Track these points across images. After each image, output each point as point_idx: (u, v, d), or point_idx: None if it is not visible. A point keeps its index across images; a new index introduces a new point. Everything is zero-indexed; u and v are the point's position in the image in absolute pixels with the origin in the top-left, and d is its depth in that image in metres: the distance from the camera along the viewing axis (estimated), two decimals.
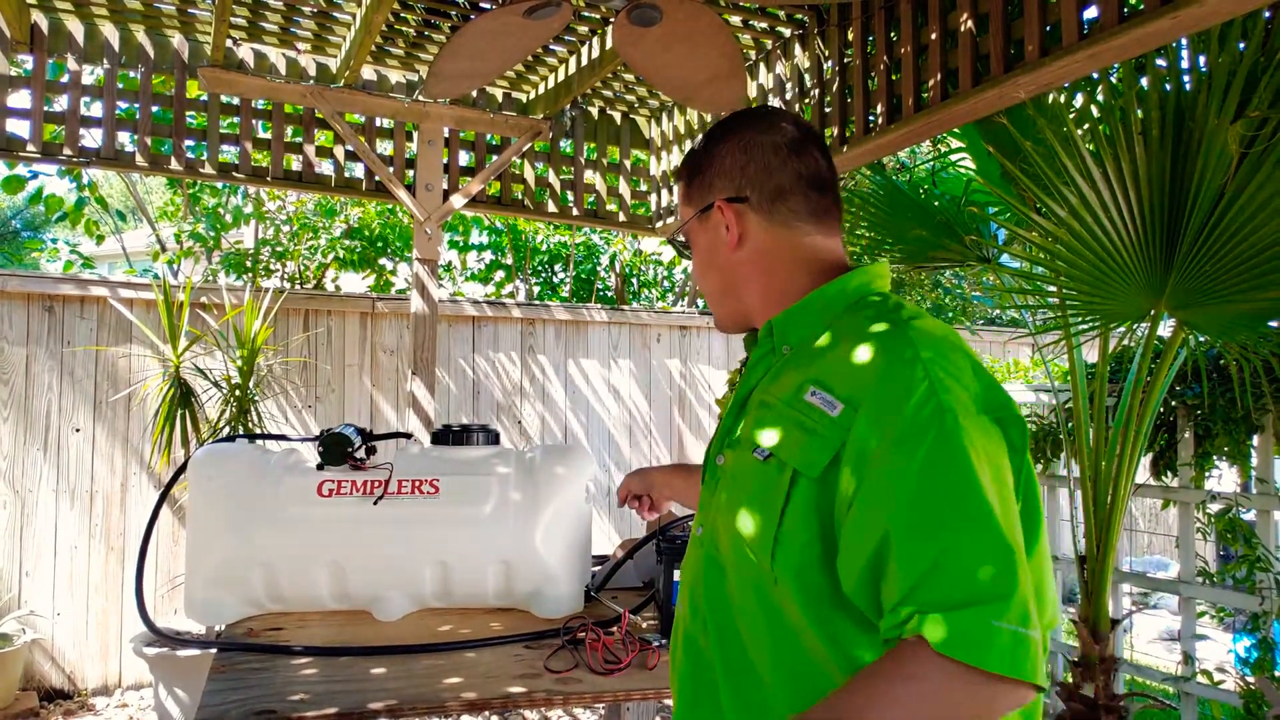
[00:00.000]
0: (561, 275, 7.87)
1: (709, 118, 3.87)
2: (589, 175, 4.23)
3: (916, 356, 0.86)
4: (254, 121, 3.63)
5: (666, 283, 8.24)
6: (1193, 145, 2.20)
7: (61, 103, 3.35)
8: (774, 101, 3.40)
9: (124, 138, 3.51)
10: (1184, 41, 2.25)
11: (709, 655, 0.98)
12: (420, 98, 3.70)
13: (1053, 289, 2.58)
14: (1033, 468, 0.92)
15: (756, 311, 1.07)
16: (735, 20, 3.27)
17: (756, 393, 1.02)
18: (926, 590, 0.77)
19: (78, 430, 4.12)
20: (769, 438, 0.94)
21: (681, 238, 1.13)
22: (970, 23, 2.49)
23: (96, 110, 3.47)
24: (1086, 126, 2.58)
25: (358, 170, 4.13)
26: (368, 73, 3.72)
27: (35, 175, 5.28)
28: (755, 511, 0.93)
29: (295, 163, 3.74)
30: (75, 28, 3.31)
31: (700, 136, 1.15)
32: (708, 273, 1.10)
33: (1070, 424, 3.08)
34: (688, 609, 1.04)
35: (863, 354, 0.90)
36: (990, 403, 0.87)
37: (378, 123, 3.90)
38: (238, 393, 3.84)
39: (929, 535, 0.78)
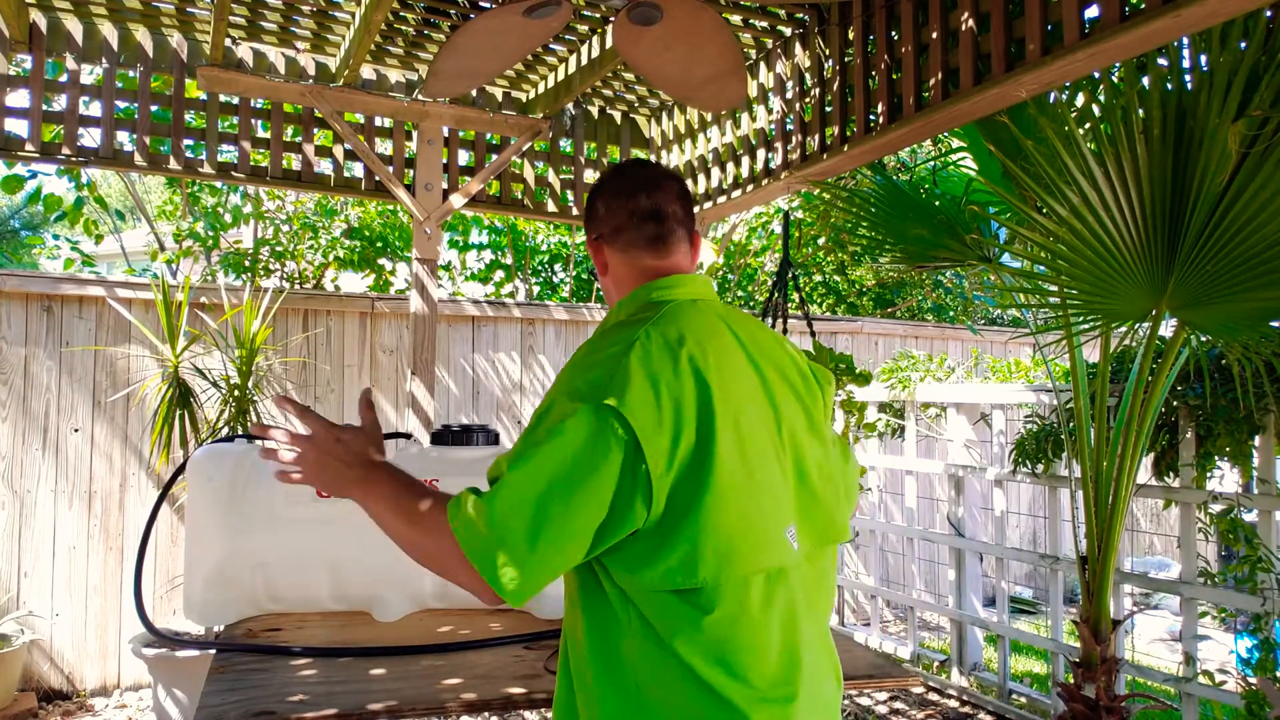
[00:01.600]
0: (561, 275, 7.87)
1: (709, 117, 3.86)
2: (589, 174, 4.23)
3: (575, 361, 1.15)
4: (253, 121, 3.62)
5: None
6: (1194, 144, 2.19)
7: (60, 102, 3.34)
8: (774, 100, 3.39)
9: (123, 137, 3.50)
10: (1185, 41, 2.25)
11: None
12: (420, 97, 3.70)
13: (1054, 288, 2.57)
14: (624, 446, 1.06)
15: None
16: (735, 19, 3.27)
17: None
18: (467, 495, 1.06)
19: (76, 430, 4.11)
20: None
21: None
22: (971, 22, 2.48)
23: (95, 110, 3.47)
24: (1088, 126, 2.57)
25: (357, 170, 4.13)
26: (367, 72, 3.71)
27: (34, 175, 5.27)
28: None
29: (294, 162, 3.73)
30: (74, 27, 3.30)
31: (602, 178, 1.39)
32: (610, 294, 1.34)
33: (1071, 424, 3.07)
34: None
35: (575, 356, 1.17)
36: (594, 391, 1.06)
37: (377, 122, 3.89)
38: (237, 393, 3.84)
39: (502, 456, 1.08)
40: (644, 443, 1.03)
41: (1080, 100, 2.73)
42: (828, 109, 3.12)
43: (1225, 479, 3.28)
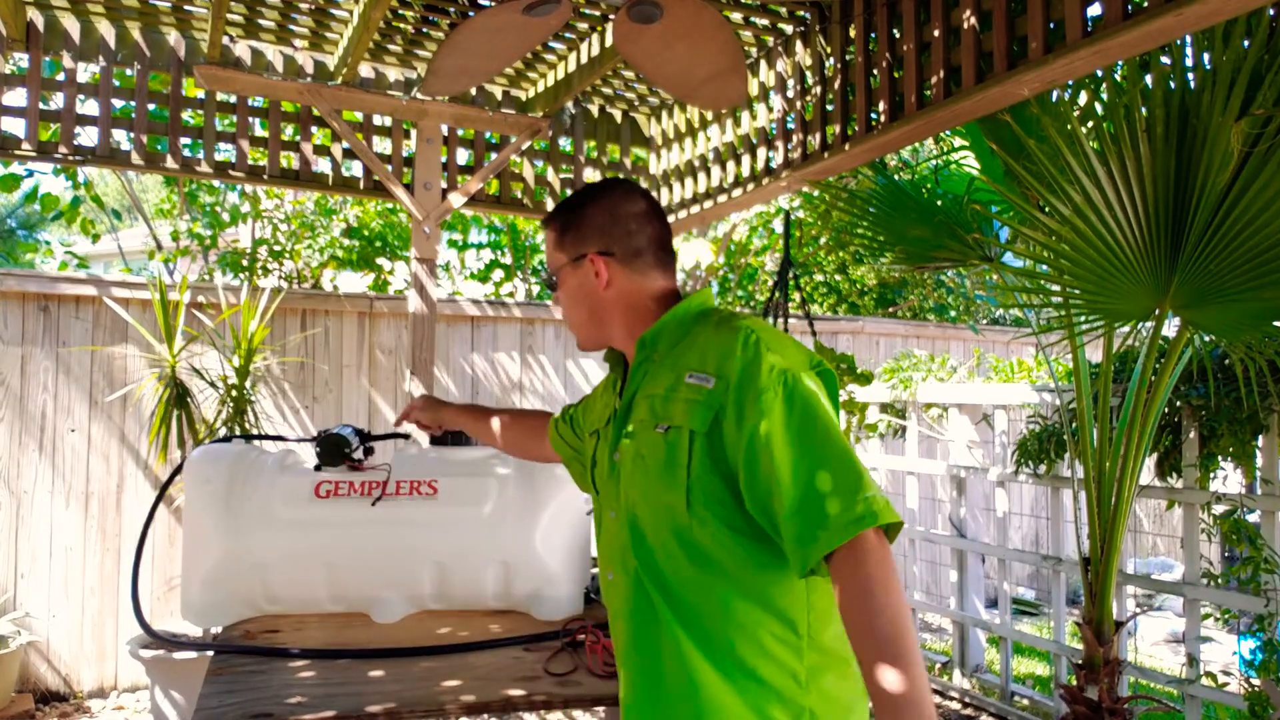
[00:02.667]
0: None
1: (709, 115, 3.85)
2: (588, 173, 4.21)
3: (757, 339, 1.20)
4: (251, 119, 3.61)
5: None
6: (1197, 143, 2.18)
7: (57, 100, 3.32)
8: (775, 99, 3.38)
9: (120, 136, 3.49)
10: (1188, 39, 2.24)
11: (646, 595, 1.24)
12: (418, 95, 3.68)
13: (1056, 288, 2.56)
14: (838, 394, 1.26)
15: (617, 336, 1.38)
16: (736, 17, 3.25)
17: (639, 394, 1.31)
18: (839, 508, 1.07)
19: (74, 430, 4.10)
20: (666, 417, 1.23)
21: (553, 276, 1.42)
22: (973, 20, 2.47)
23: (92, 108, 3.45)
24: (1090, 124, 2.56)
25: (355, 169, 4.11)
26: (365, 70, 3.70)
27: (31, 174, 5.26)
28: (667, 473, 1.22)
29: (292, 161, 3.72)
30: (71, 25, 3.29)
31: (573, 195, 1.43)
32: (578, 307, 1.39)
33: (1074, 424, 3.06)
34: (620, 570, 1.31)
35: (719, 344, 1.23)
36: (810, 361, 1.22)
37: (376, 120, 3.88)
38: (234, 393, 3.82)
39: (823, 474, 1.10)
40: None
41: (1083, 99, 2.72)
42: (829, 107, 3.11)
43: (1229, 480, 3.27)
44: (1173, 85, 2.23)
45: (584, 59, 3.48)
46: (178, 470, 2.16)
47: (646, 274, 1.35)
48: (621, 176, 1.34)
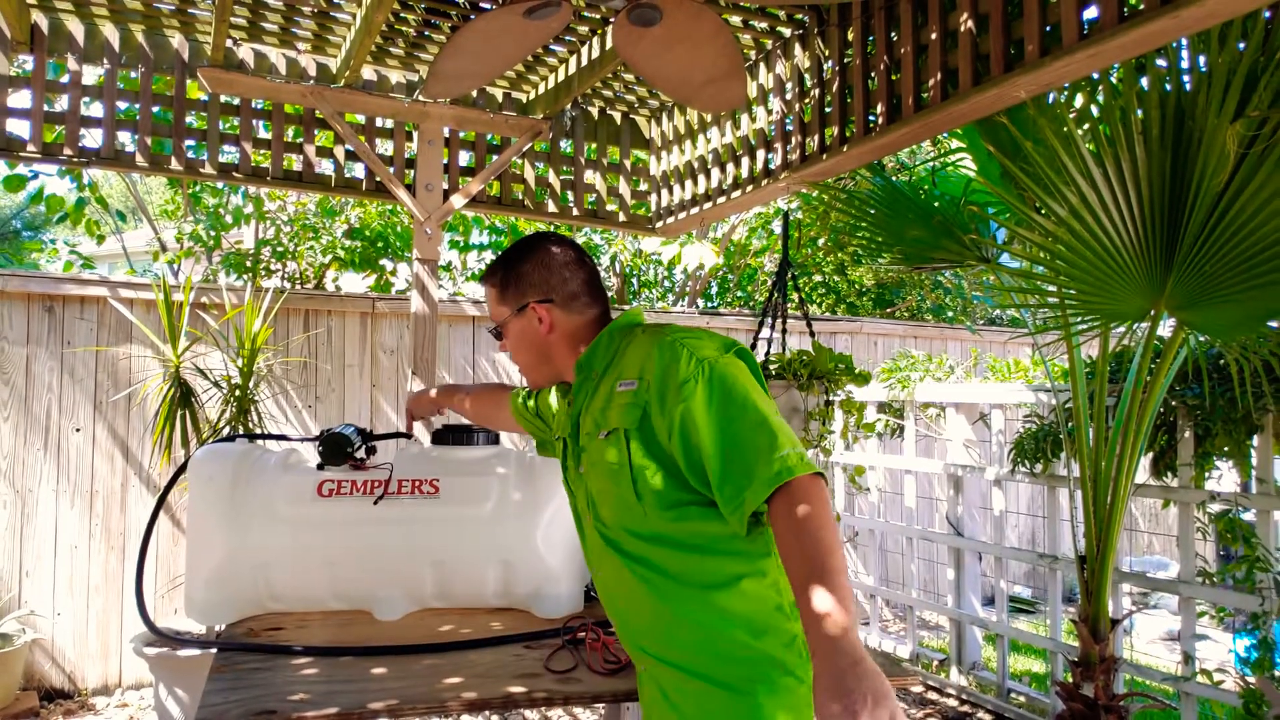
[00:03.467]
0: None
1: (709, 117, 3.87)
2: (589, 175, 4.23)
3: (673, 340, 1.35)
4: (254, 121, 3.63)
5: (666, 282, 8.25)
6: (1193, 145, 2.20)
7: (62, 103, 3.34)
8: (774, 101, 3.40)
9: (124, 138, 3.51)
10: (1184, 41, 2.25)
11: (632, 580, 1.40)
12: (420, 98, 3.70)
13: (1053, 289, 2.58)
14: (758, 367, 1.39)
15: (566, 369, 1.55)
16: (735, 20, 3.27)
17: (584, 413, 1.48)
18: (759, 469, 1.20)
19: (78, 430, 4.12)
20: (605, 424, 1.40)
21: (498, 328, 1.58)
22: (970, 23, 2.49)
23: (97, 110, 3.47)
24: (1087, 126, 2.58)
25: (358, 170, 4.14)
26: (368, 73, 3.72)
27: (36, 175, 5.28)
28: (614, 472, 1.38)
29: (295, 163, 3.74)
30: (75, 28, 3.31)
31: (500, 255, 1.59)
32: (525, 351, 1.57)
33: (1070, 424, 3.07)
34: (603, 564, 1.47)
35: (642, 351, 1.39)
36: (726, 346, 1.36)
37: (378, 123, 3.90)
38: (238, 393, 3.84)
39: (741, 441, 1.24)
40: None
41: (1079, 101, 2.74)
42: (827, 110, 3.12)
43: (1224, 479, 3.28)
44: (1169, 88, 2.25)
45: (584, 62, 3.50)
46: (182, 469, 2.18)
47: (583, 311, 1.53)
48: (553, 232, 1.56)
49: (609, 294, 7.62)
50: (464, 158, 4.16)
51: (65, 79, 3.32)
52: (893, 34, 2.82)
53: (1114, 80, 2.44)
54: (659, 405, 1.31)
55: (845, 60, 3.05)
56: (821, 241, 7.27)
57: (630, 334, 1.47)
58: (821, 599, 1.06)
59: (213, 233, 5.64)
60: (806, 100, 3.23)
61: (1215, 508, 2.95)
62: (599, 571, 1.50)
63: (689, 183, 4.02)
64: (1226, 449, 2.91)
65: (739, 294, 8.39)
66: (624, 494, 1.37)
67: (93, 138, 3.43)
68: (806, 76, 3.23)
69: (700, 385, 1.28)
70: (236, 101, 3.59)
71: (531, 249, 1.55)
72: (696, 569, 1.34)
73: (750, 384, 1.30)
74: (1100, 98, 2.55)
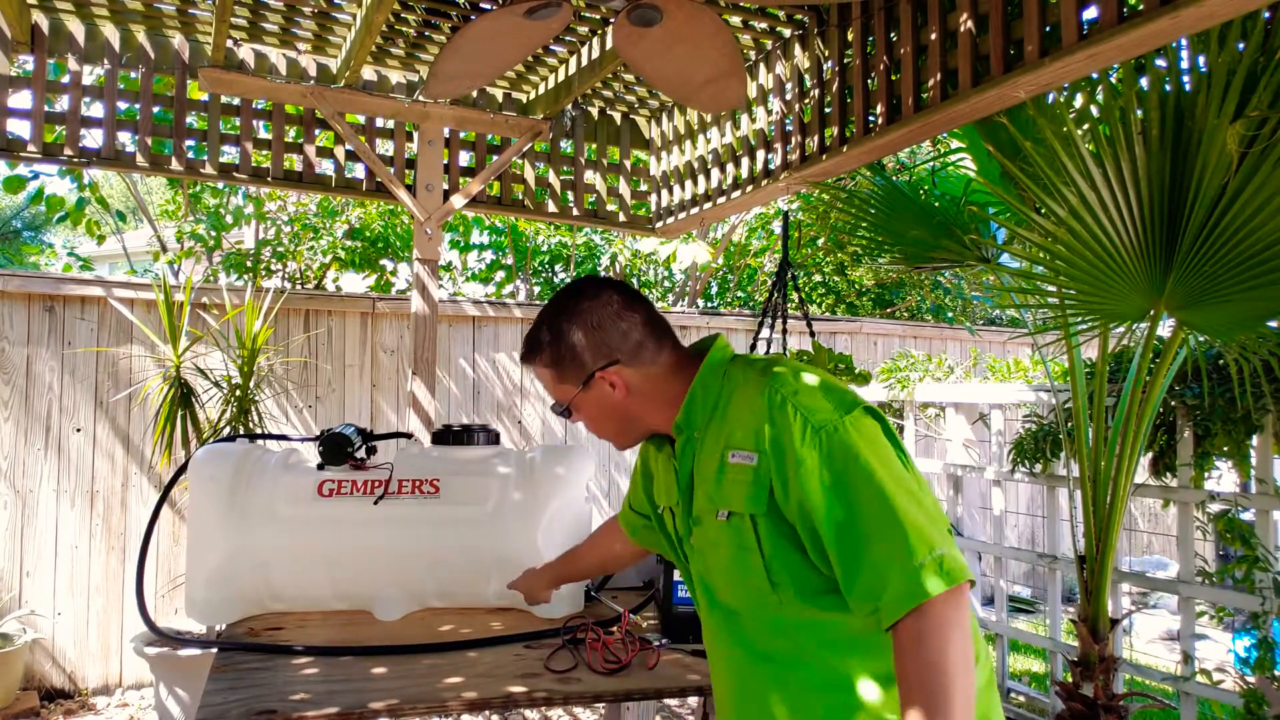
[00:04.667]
0: (562, 275, 7.88)
1: (709, 118, 3.87)
2: (589, 175, 4.24)
3: (782, 399, 1.16)
4: (254, 122, 3.63)
5: (667, 283, 8.25)
6: (1192, 145, 2.20)
7: (62, 103, 3.35)
8: (774, 101, 3.40)
9: (125, 138, 3.51)
10: (1184, 42, 2.25)
11: (745, 667, 1.22)
12: (420, 98, 3.70)
13: (1052, 289, 2.58)
14: (891, 426, 1.21)
15: (658, 424, 1.34)
16: (735, 20, 3.27)
17: (695, 480, 1.28)
18: (891, 582, 1.04)
19: (79, 430, 4.13)
20: (722, 504, 1.21)
21: (566, 408, 1.36)
22: (970, 23, 2.49)
23: (97, 111, 3.47)
24: (1086, 126, 2.58)
25: (358, 170, 4.14)
26: (368, 73, 3.72)
27: (36, 175, 5.28)
28: (741, 558, 1.20)
29: (296, 163, 3.74)
30: (76, 28, 3.31)
31: (538, 327, 1.35)
32: (604, 422, 1.36)
33: (1070, 424, 3.08)
34: (721, 648, 1.29)
35: (750, 412, 1.19)
36: (846, 404, 1.16)
37: (378, 123, 3.90)
38: (238, 393, 3.85)
39: (868, 539, 1.07)
40: None
41: (1079, 101, 2.74)
42: (827, 110, 3.13)
43: (1224, 479, 3.28)
44: (1168, 88, 2.25)
45: (584, 62, 3.50)
46: (182, 469, 2.18)
47: (654, 359, 1.31)
48: (585, 277, 1.32)
49: None
50: (464, 158, 4.16)
51: (66, 79, 3.32)
52: (892, 34, 2.82)
53: (1114, 80, 2.44)
54: (782, 488, 1.14)
55: (845, 60, 3.05)
56: (821, 241, 7.28)
57: (726, 376, 1.28)
58: None
59: (213, 233, 5.64)
60: (806, 100, 3.24)
61: (1215, 508, 2.95)
62: (715, 657, 1.31)
63: (689, 183, 4.03)
64: (1226, 449, 2.91)
65: (739, 294, 8.40)
66: (755, 581, 1.19)
67: (93, 138, 3.43)
68: (806, 77, 3.24)
69: (817, 464, 1.10)
70: (237, 102, 3.59)
71: (574, 311, 1.31)
72: (844, 668, 1.14)
73: (879, 457, 1.11)
74: (1100, 98, 2.55)
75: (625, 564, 1.89)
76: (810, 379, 1.21)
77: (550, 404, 1.38)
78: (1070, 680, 2.78)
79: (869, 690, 1.13)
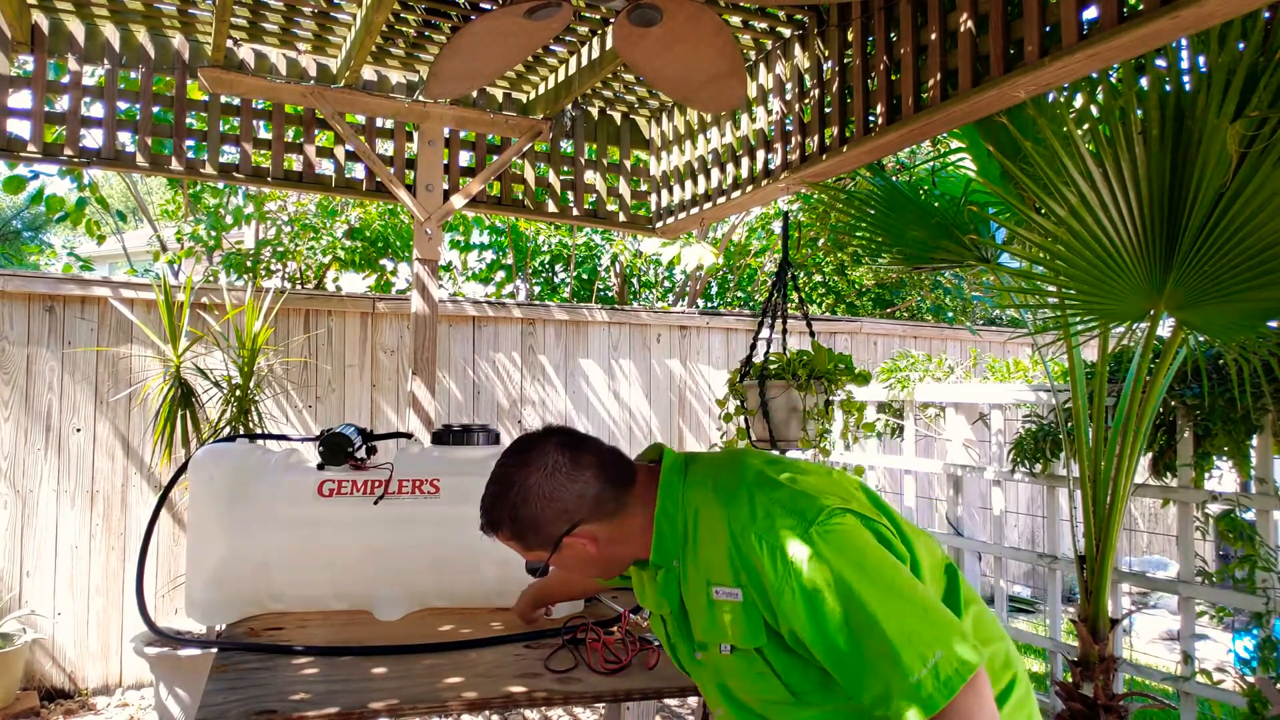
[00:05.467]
0: (562, 275, 7.88)
1: (709, 118, 3.87)
2: (589, 175, 4.24)
3: (746, 529, 1.14)
4: (254, 122, 3.63)
5: (667, 283, 8.25)
6: (1192, 145, 2.20)
7: (62, 103, 3.35)
8: (774, 101, 3.40)
9: (125, 138, 3.51)
10: (1184, 42, 2.25)
11: None
12: (420, 98, 3.70)
13: (1052, 289, 2.58)
14: (890, 515, 1.22)
15: (639, 553, 1.31)
16: (735, 20, 3.27)
17: (686, 605, 1.28)
18: (894, 704, 1.03)
19: (79, 430, 4.13)
20: (722, 638, 1.21)
21: (542, 567, 1.33)
22: (970, 23, 2.49)
23: (97, 111, 3.47)
24: (1086, 126, 2.58)
25: (358, 170, 4.14)
26: (368, 73, 3.72)
27: (36, 175, 5.28)
28: (761, 684, 1.20)
29: (296, 163, 3.74)
30: (76, 28, 3.31)
31: (492, 504, 1.30)
32: (585, 571, 1.35)
33: (1070, 424, 3.08)
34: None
35: (719, 546, 1.18)
36: (811, 512, 1.13)
37: (378, 123, 3.90)
38: (238, 393, 3.85)
39: (864, 662, 1.06)
40: None
41: (1079, 101, 2.74)
42: (827, 110, 3.13)
43: (1224, 479, 3.28)
44: (1168, 88, 2.25)
45: (584, 62, 3.50)
46: (183, 469, 2.18)
47: (617, 502, 1.27)
48: (522, 437, 1.33)
49: (610, 295, 7.64)
50: (464, 158, 4.16)
51: (66, 79, 3.32)
52: (892, 34, 2.82)
53: (1114, 80, 2.44)
54: (771, 617, 1.14)
55: (845, 61, 3.05)
56: (821, 241, 7.27)
57: (684, 500, 1.26)
58: None
59: (213, 233, 5.64)
60: (806, 100, 3.24)
61: (1216, 508, 2.95)
62: (721, 714, 1.31)
63: (689, 183, 4.03)
64: (1226, 449, 2.91)
65: (739, 294, 8.40)
66: (778, 695, 1.19)
67: (93, 138, 3.43)
68: (806, 77, 3.24)
69: (796, 600, 1.09)
70: (237, 102, 3.59)
71: (524, 487, 1.26)
72: None
73: (855, 568, 1.08)
74: (1100, 98, 2.55)
75: (589, 592, 1.96)
76: (769, 493, 1.17)
77: (525, 563, 1.35)
78: (1070, 680, 2.78)
79: None
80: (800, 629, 1.09)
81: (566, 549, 1.27)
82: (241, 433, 3.80)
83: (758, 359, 3.07)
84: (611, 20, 2.61)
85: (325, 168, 3.79)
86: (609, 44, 3.21)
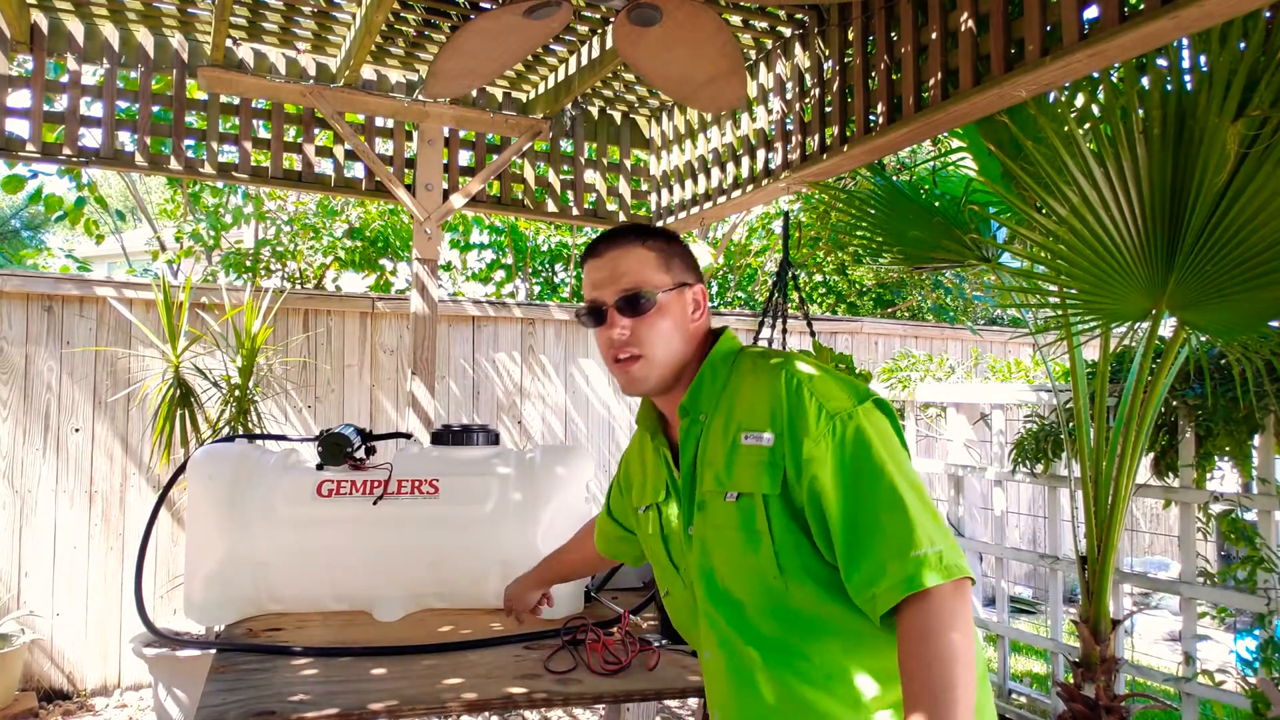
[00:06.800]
0: (562, 275, 7.87)
1: (709, 117, 3.86)
2: (589, 175, 4.23)
3: (798, 383, 1.17)
4: (254, 121, 3.62)
5: None
6: (1194, 144, 2.19)
7: (61, 102, 3.34)
8: (774, 101, 3.39)
9: (124, 137, 3.51)
10: (1185, 41, 2.25)
11: (749, 665, 1.18)
12: (420, 97, 3.70)
13: (1053, 288, 2.57)
14: (898, 420, 1.23)
15: (685, 371, 1.31)
16: (735, 20, 3.27)
17: (700, 463, 1.26)
18: (889, 571, 1.06)
19: (77, 430, 4.12)
20: (731, 486, 1.20)
21: (645, 296, 1.28)
22: (971, 22, 2.48)
23: (96, 110, 3.47)
24: (1087, 126, 2.57)
25: (358, 170, 4.13)
26: (367, 72, 3.72)
27: (35, 175, 5.28)
28: (748, 541, 1.18)
29: (295, 162, 3.74)
30: (75, 27, 3.30)
31: (652, 228, 1.37)
32: (665, 333, 1.30)
33: (1071, 424, 3.07)
34: (716, 645, 1.24)
35: (764, 395, 1.20)
36: (859, 395, 1.18)
37: (378, 122, 3.90)
38: (237, 393, 3.84)
39: (872, 525, 1.09)
40: None
41: (1080, 100, 2.73)
42: (827, 109, 3.12)
43: (1226, 479, 3.28)
44: (1169, 87, 2.24)
45: (584, 61, 3.49)
46: (181, 469, 2.18)
47: (697, 331, 1.33)
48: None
49: None
50: (464, 157, 4.15)
51: (65, 79, 3.32)
52: (893, 34, 2.82)
53: (1115, 80, 2.44)
54: (794, 468, 1.14)
55: (845, 60, 3.04)
56: (822, 241, 7.27)
57: (735, 364, 1.29)
58: None
59: (212, 232, 5.63)
60: (807, 100, 3.23)
61: (1218, 508, 2.95)
62: (711, 649, 1.26)
63: (689, 182, 4.02)
64: (1228, 449, 2.90)
65: (739, 294, 8.39)
66: (763, 566, 1.17)
67: (92, 137, 3.43)
68: (807, 76, 3.23)
69: (830, 449, 1.11)
70: (236, 101, 3.59)
71: (673, 236, 1.36)
72: (844, 661, 1.13)
73: (888, 450, 1.12)
74: (1101, 97, 2.55)
75: (609, 565, 1.88)
76: (826, 369, 1.22)
77: (621, 293, 1.28)
78: (1072, 681, 2.77)
79: (866, 686, 1.12)
80: (824, 484, 1.11)
81: (683, 296, 1.31)
82: (240, 433, 3.79)
83: None
84: (611, 19, 2.61)
85: (324, 167, 3.79)
86: (609, 43, 3.21)
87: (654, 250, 1.31)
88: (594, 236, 1.41)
